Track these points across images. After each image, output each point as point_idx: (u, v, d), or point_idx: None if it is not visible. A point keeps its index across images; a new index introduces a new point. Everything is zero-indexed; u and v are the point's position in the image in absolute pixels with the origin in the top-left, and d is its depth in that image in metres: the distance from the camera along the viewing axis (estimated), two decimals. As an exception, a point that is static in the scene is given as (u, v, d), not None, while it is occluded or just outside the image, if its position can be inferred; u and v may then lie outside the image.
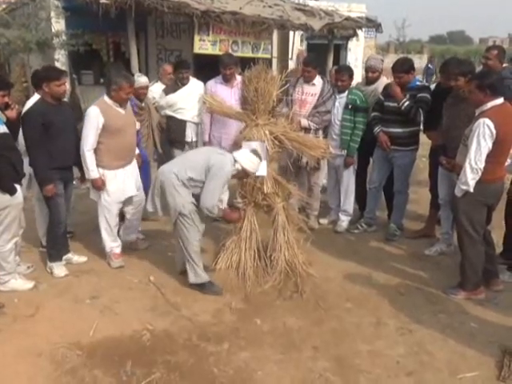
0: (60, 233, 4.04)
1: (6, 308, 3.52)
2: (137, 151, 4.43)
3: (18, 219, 3.70)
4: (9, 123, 3.70)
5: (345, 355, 3.09)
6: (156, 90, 5.34)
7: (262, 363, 3.00)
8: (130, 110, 4.24)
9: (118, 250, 4.23)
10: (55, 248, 4.06)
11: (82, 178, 4.24)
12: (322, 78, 4.95)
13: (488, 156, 3.42)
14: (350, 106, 4.76)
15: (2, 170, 3.46)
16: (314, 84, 4.84)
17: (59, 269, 4.04)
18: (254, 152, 3.72)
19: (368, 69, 5.00)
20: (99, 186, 4.01)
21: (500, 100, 3.49)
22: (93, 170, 3.96)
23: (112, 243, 4.19)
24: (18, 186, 3.62)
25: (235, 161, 3.64)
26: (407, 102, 4.50)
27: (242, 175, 3.77)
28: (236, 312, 3.56)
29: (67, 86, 4.49)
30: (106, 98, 3.98)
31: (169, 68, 5.41)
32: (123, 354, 3.05)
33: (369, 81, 5.05)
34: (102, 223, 4.15)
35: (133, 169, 4.23)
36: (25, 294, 3.71)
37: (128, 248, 4.43)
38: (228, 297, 3.76)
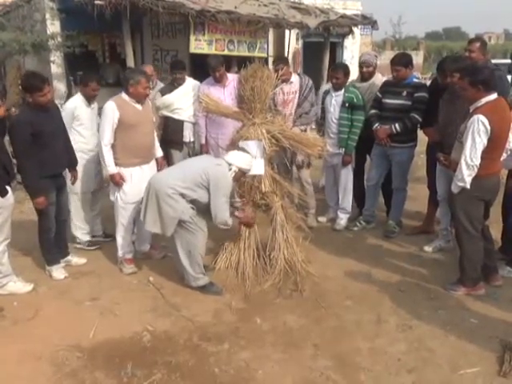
0: (51, 237, 3.98)
1: (5, 311, 3.51)
2: (160, 153, 4.37)
3: (10, 221, 3.66)
4: None
5: (345, 353, 3.09)
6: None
7: (262, 362, 2.99)
8: (149, 107, 4.14)
9: (130, 256, 4.17)
10: (50, 252, 4.03)
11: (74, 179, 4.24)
12: (297, 74, 5.08)
13: (483, 152, 3.41)
14: (346, 104, 4.75)
15: None
16: (291, 82, 4.92)
17: (58, 271, 4.04)
18: (242, 150, 3.77)
19: (362, 64, 5.00)
20: (117, 181, 3.93)
21: (494, 95, 3.47)
22: (110, 166, 3.90)
23: (125, 249, 4.13)
24: (8, 188, 3.57)
25: (229, 165, 3.64)
26: (397, 124, 4.54)
27: (240, 175, 3.76)
28: (236, 312, 3.56)
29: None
30: (123, 94, 3.93)
31: (149, 69, 5.18)
32: (124, 355, 3.04)
33: (363, 77, 5.04)
34: (119, 228, 4.08)
35: (150, 169, 4.09)
36: (24, 297, 3.71)
37: (143, 258, 4.33)
38: (228, 297, 3.76)
